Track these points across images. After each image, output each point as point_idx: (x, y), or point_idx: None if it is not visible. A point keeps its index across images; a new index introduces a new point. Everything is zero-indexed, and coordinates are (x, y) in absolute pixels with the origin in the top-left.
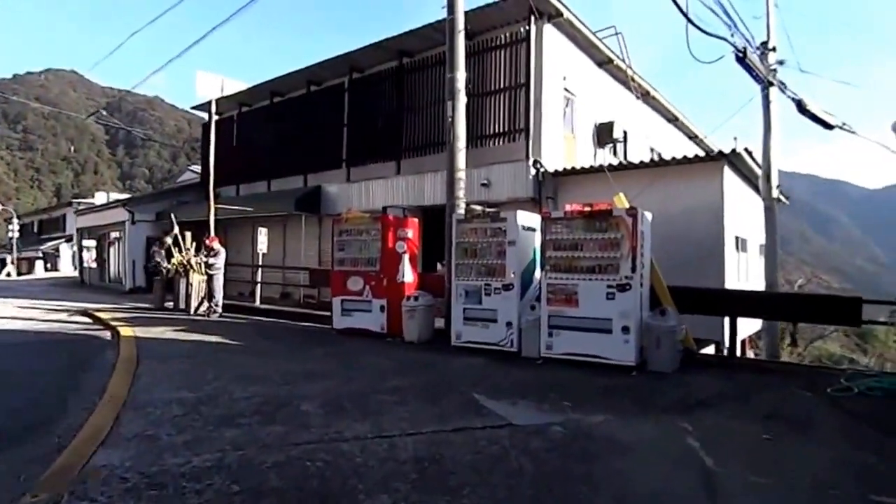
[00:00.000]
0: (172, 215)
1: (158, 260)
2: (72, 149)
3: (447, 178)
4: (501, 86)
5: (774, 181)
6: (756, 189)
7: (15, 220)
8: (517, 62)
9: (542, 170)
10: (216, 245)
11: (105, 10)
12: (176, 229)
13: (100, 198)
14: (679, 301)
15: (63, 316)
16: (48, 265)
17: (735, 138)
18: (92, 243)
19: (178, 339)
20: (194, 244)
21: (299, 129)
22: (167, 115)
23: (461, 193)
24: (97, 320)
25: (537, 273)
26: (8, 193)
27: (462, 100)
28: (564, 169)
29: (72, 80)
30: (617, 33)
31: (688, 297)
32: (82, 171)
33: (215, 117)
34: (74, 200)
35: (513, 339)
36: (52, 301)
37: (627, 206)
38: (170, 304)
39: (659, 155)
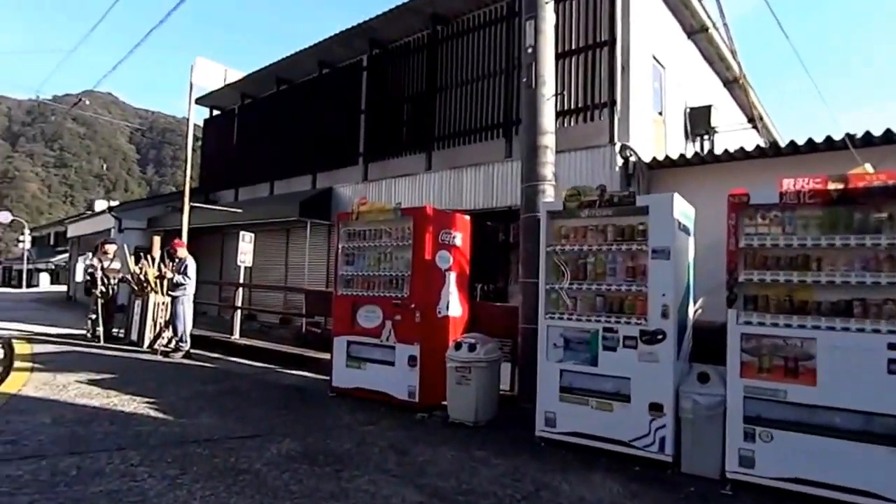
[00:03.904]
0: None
1: (92, 272)
2: (104, 167)
3: (525, 147)
4: (573, 46)
5: None
6: None
7: (27, 232)
8: (598, 14)
9: (632, 159)
10: (182, 252)
11: (135, 36)
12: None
13: (100, 206)
14: None
15: None
16: (57, 278)
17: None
18: (90, 255)
19: (70, 403)
20: (160, 254)
21: (308, 120)
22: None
23: (549, 171)
24: (9, 355)
25: (691, 309)
26: (41, 208)
27: (549, 19)
28: (667, 158)
29: (107, 101)
30: None
31: None
32: (113, 188)
33: (216, 112)
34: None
35: (663, 437)
36: (2, 322)
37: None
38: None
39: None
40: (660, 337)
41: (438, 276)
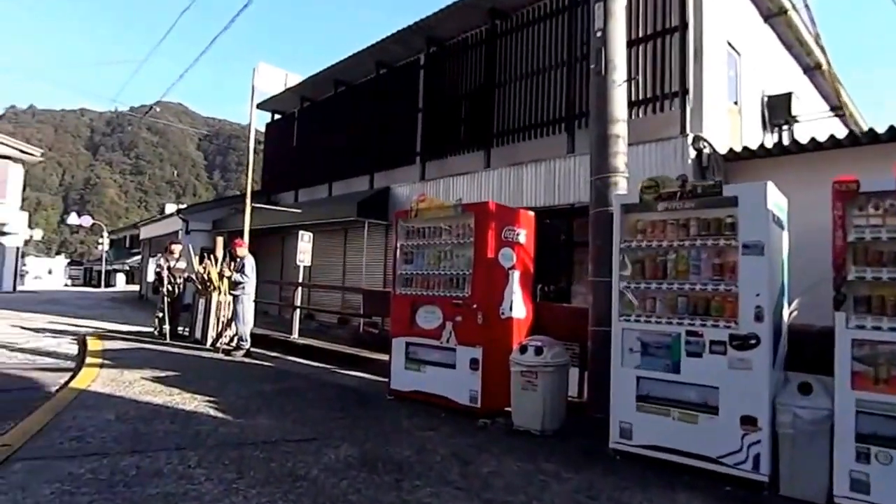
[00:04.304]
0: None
1: (159, 272)
2: (175, 173)
3: (595, 137)
4: (642, 33)
5: None
6: None
7: (105, 235)
8: None
9: (706, 150)
10: (241, 251)
11: (200, 45)
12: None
13: (170, 210)
14: None
15: (56, 341)
16: (132, 278)
17: None
18: (160, 255)
19: (134, 400)
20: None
21: (366, 120)
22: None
23: (621, 162)
24: (82, 351)
25: (785, 311)
26: (119, 213)
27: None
28: (746, 149)
29: (177, 111)
30: None
31: None
32: (183, 193)
33: (277, 116)
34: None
35: (757, 454)
36: (81, 319)
37: None
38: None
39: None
40: (752, 342)
41: (501, 274)
